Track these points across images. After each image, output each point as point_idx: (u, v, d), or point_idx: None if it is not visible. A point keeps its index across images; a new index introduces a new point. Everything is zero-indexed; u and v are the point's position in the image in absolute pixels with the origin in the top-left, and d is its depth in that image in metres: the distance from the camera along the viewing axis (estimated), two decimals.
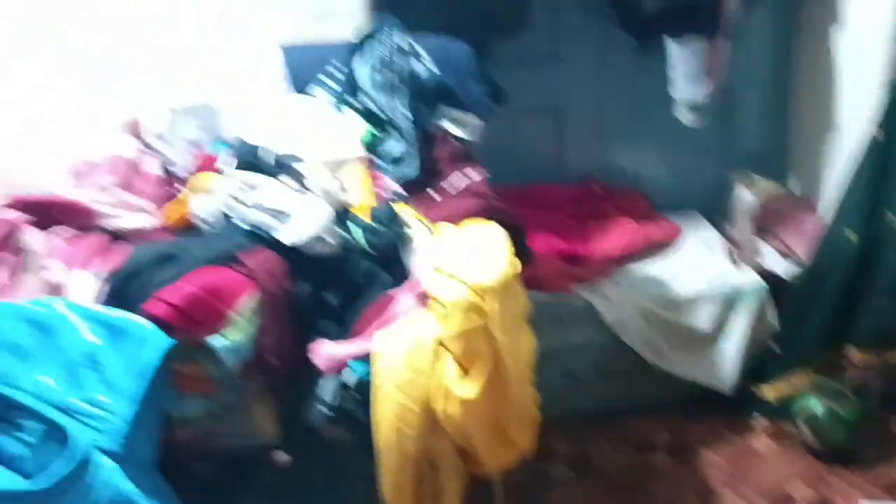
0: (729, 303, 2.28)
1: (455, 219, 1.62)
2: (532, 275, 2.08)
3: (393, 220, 1.58)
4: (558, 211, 2.55)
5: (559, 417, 2.17)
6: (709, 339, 2.28)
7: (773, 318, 2.30)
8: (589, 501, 2.10)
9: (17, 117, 2.12)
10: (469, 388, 1.41)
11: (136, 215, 1.59)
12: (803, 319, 2.22)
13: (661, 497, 2.10)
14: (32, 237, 1.49)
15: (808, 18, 2.51)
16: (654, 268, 2.41)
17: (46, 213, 1.56)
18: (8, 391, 1.11)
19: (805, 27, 2.54)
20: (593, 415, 2.32)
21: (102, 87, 2.12)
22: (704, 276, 2.34)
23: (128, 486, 1.15)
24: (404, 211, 1.64)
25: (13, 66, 2.08)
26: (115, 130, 2.13)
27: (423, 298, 1.46)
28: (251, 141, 1.70)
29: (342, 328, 1.49)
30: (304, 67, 1.97)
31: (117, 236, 1.59)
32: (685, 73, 2.29)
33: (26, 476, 1.10)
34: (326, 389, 1.42)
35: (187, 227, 1.65)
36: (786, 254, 2.43)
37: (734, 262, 2.41)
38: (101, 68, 2.11)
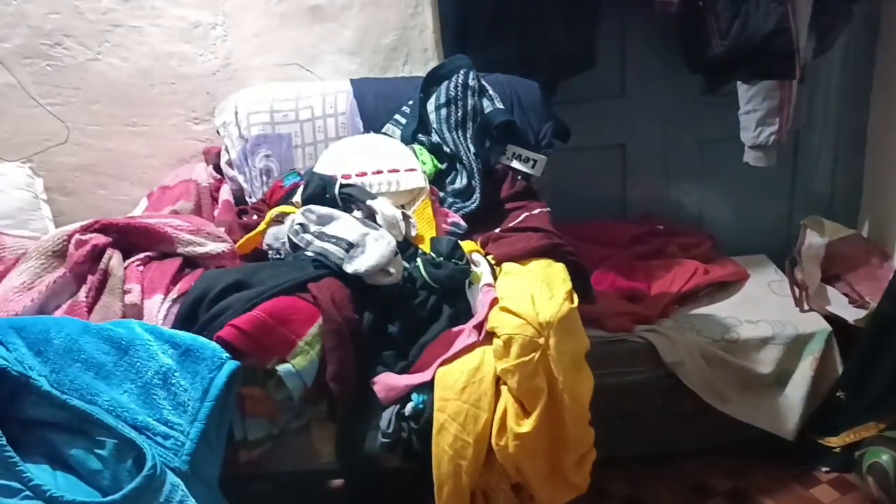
0: (793, 347, 2.23)
1: (517, 255, 1.65)
2: (593, 313, 2.09)
3: (453, 252, 1.61)
4: (621, 249, 2.55)
5: (615, 456, 2.16)
6: (771, 384, 2.24)
7: (838, 365, 2.25)
8: None
9: (97, 144, 2.24)
10: (523, 422, 1.42)
11: (212, 243, 1.65)
12: (871, 368, 2.16)
13: None
14: (115, 260, 1.56)
15: (883, 61, 2.48)
16: (716, 309, 2.39)
17: (127, 237, 1.63)
18: (87, 407, 1.17)
19: (880, 70, 2.50)
20: (650, 455, 2.30)
21: (173, 115, 2.22)
22: (768, 318, 2.30)
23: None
24: (468, 246, 1.66)
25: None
26: (190, 157, 2.24)
27: (483, 332, 1.49)
28: (321, 173, 1.75)
29: (403, 359, 1.52)
30: (371, 99, 2.03)
31: (191, 261, 1.65)
32: (753, 114, 2.27)
33: (98, 489, 1.16)
34: (384, 418, 1.45)
35: (257, 255, 1.71)
36: (854, 300, 2.37)
37: (800, 306, 2.37)
38: (171, 98, 2.21)
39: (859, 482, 2.13)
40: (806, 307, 2.35)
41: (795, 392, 2.23)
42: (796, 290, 2.42)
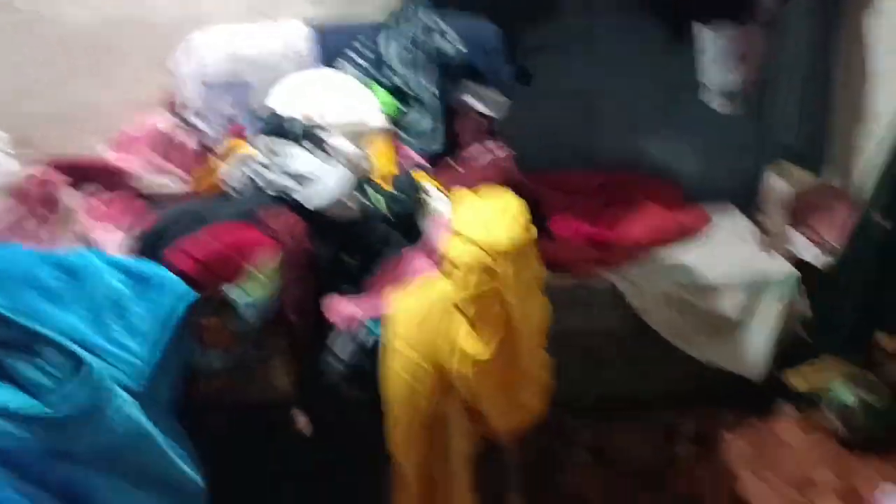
0: (758, 290, 2.24)
1: (473, 186, 1.65)
2: (558, 257, 2.10)
3: (413, 188, 1.62)
4: (587, 197, 2.55)
5: (583, 402, 2.17)
6: (737, 327, 2.25)
7: (803, 306, 2.27)
8: (609, 488, 2.08)
9: (61, 95, 2.22)
10: (481, 349, 1.43)
11: (167, 178, 1.65)
12: (835, 308, 2.19)
13: (682, 485, 2.08)
14: (70, 196, 1.56)
15: (846, 7, 2.48)
16: (682, 254, 2.39)
17: (83, 175, 1.63)
18: (30, 323, 1.17)
19: (843, 16, 2.50)
20: (618, 401, 2.30)
21: (136, 64, 2.21)
22: (734, 263, 2.31)
23: (144, 421, 1.20)
24: (423, 178, 1.67)
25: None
26: (153, 106, 2.22)
27: (439, 260, 1.49)
28: (278, 110, 1.75)
29: (359, 290, 1.53)
30: (332, 45, 2.03)
31: (148, 199, 1.65)
32: (717, 59, 2.28)
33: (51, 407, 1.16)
34: (342, 347, 1.46)
35: (216, 193, 1.71)
36: (818, 243, 2.39)
37: (766, 250, 2.38)
38: (134, 47, 2.20)
39: (822, 419, 2.16)
40: (772, 252, 2.37)
41: (762, 335, 2.24)
42: (762, 236, 2.44)
